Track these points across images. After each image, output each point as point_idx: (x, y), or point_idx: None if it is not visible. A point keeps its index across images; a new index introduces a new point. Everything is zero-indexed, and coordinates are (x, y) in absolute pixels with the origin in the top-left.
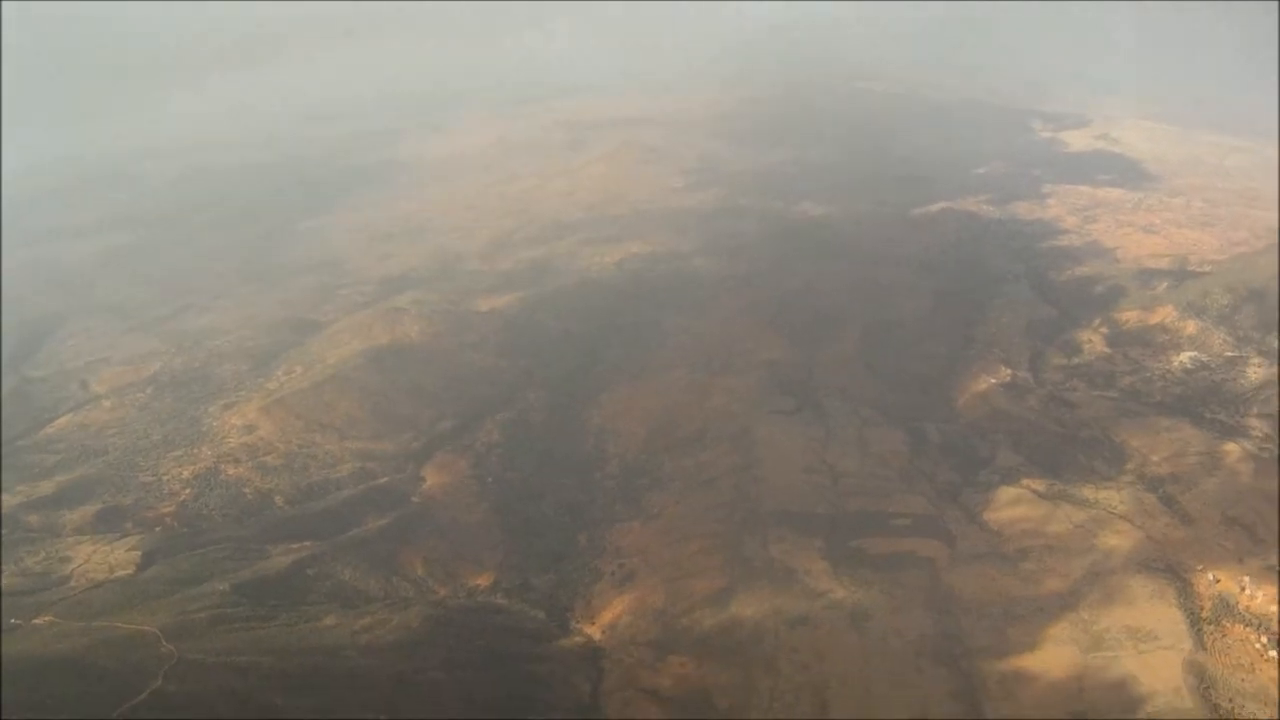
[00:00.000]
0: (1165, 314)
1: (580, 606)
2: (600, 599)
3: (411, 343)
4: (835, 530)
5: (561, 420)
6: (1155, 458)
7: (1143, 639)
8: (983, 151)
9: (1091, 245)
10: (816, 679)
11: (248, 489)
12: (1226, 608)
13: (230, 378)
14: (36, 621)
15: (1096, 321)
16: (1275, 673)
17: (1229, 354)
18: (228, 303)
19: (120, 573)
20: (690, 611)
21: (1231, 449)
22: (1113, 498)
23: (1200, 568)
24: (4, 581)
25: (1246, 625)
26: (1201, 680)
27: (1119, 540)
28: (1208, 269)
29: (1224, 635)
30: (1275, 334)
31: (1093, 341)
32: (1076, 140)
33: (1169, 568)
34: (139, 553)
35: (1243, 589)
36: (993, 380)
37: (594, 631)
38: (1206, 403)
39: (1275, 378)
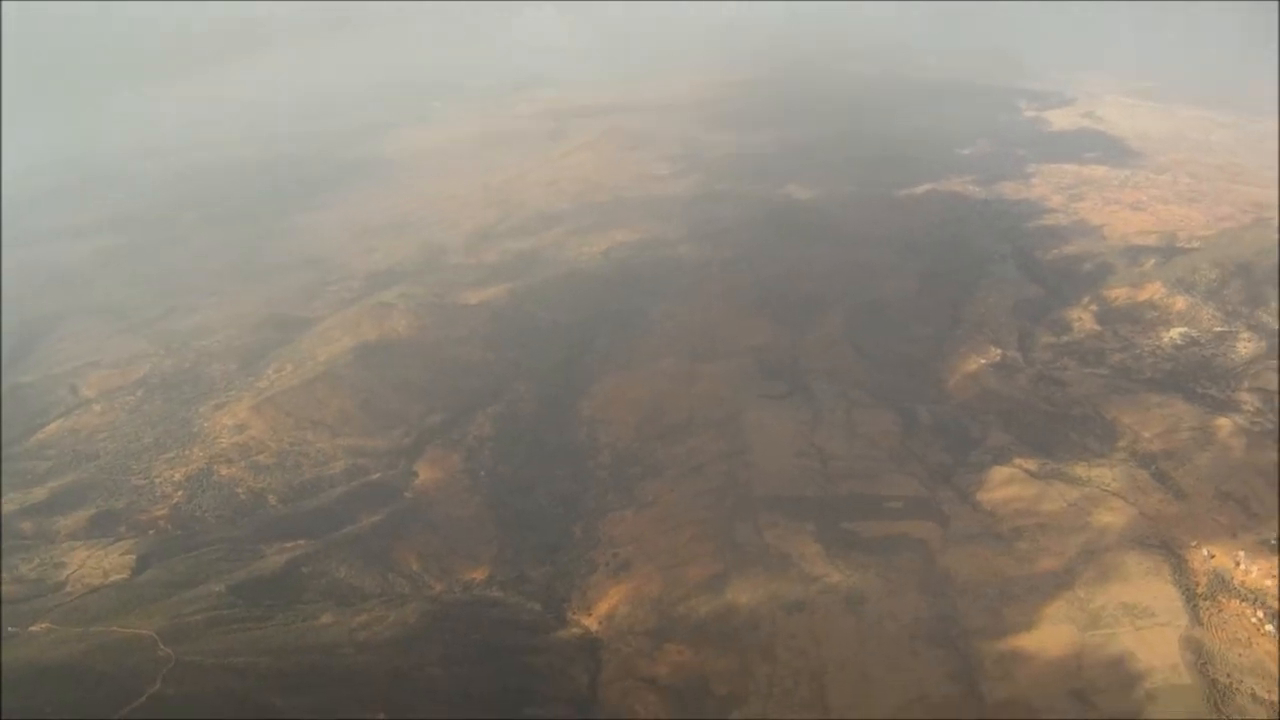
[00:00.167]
0: (1154, 290)
1: (576, 598)
2: (596, 589)
3: (400, 338)
4: (827, 514)
5: (552, 411)
6: (1147, 434)
7: (1139, 616)
8: (967, 132)
9: (1078, 223)
10: (813, 663)
11: (240, 489)
12: (1222, 583)
13: (220, 378)
14: (33, 629)
15: (1085, 299)
16: (1272, 646)
17: (1218, 329)
18: (216, 302)
19: (115, 577)
20: (686, 599)
21: (1223, 424)
22: (1105, 475)
23: (1195, 543)
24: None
25: (1242, 600)
26: (1199, 656)
27: (1113, 517)
28: (1195, 245)
29: (1220, 610)
30: (1264, 308)
31: (1082, 319)
32: (1060, 119)
33: (1163, 544)
34: (134, 556)
35: (1238, 564)
36: (982, 360)
37: (591, 622)
38: (1197, 378)
39: (1265, 351)
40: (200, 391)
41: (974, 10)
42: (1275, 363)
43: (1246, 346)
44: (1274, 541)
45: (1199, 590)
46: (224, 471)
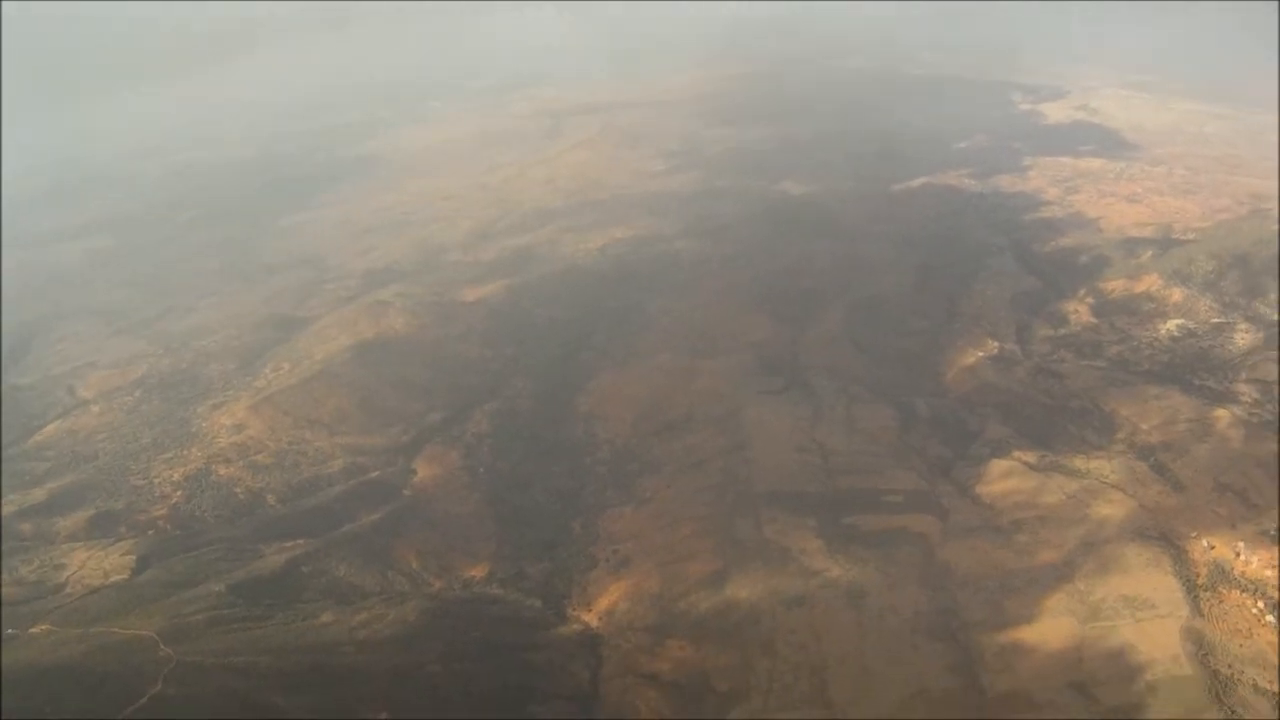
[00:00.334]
0: (1151, 282)
1: (576, 594)
2: (596, 586)
3: (398, 336)
4: (828, 509)
5: (550, 408)
6: (1145, 426)
7: (1140, 607)
8: (963, 126)
9: (1074, 216)
10: (814, 658)
11: (239, 489)
12: (1222, 574)
13: (218, 377)
14: (34, 630)
15: (1082, 292)
16: (1273, 637)
17: (1215, 320)
18: (213, 302)
19: (115, 578)
20: (686, 595)
21: (1221, 415)
22: (1104, 467)
23: (1194, 534)
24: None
25: (1243, 591)
26: (1200, 647)
27: (1112, 509)
28: (1192, 236)
29: (1220, 601)
30: (1261, 299)
31: (1079, 312)
32: (1056, 112)
33: (1163, 535)
34: (133, 557)
35: (1237, 554)
36: (980, 353)
37: (591, 618)
38: (1195, 370)
39: (1263, 342)
40: (198, 391)
41: (973, 10)
42: (1274, 353)
43: (1244, 338)
44: (1274, 532)
45: (1199, 581)
46: (222, 471)
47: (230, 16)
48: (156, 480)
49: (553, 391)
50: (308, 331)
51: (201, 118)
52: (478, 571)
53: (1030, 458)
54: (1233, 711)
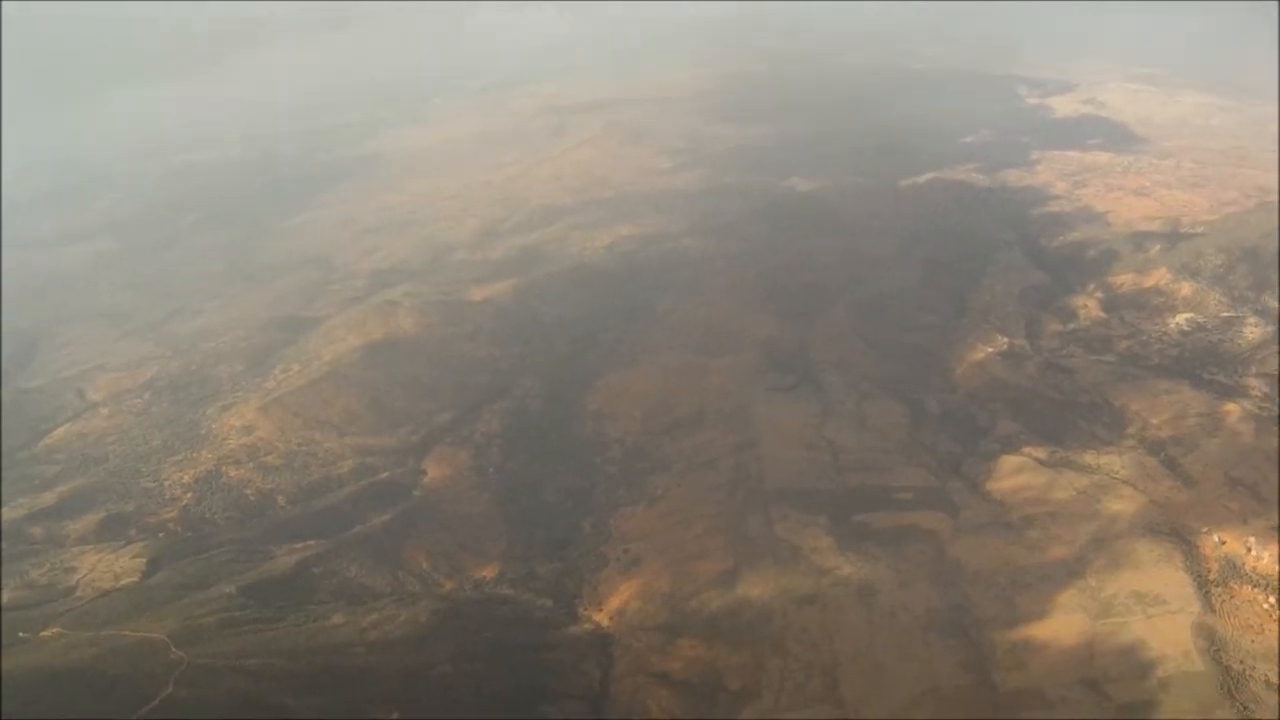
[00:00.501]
0: (1159, 276)
1: (587, 593)
2: (607, 585)
3: (406, 336)
4: (838, 506)
5: (559, 407)
6: (1155, 421)
7: (1151, 603)
8: (969, 120)
9: (1083, 210)
10: (826, 656)
11: (249, 490)
12: (1233, 569)
13: (227, 379)
14: (45, 634)
15: (1091, 286)
16: None
17: (1225, 314)
18: (219, 304)
19: (126, 580)
20: (697, 594)
21: (1232, 409)
22: (1114, 462)
23: (1205, 530)
24: (10, 595)
25: (1254, 586)
26: (1211, 643)
27: (1123, 505)
28: (1200, 230)
29: (1232, 597)
30: (1270, 293)
31: (1088, 306)
32: (1063, 105)
33: (1174, 531)
34: (144, 559)
35: (1249, 550)
36: (989, 349)
37: (602, 618)
38: (1204, 364)
39: (1273, 336)
40: (207, 393)
41: (976, 10)
42: None
43: (1253, 331)
44: None
45: (1210, 577)
46: (232, 473)
47: (230, 16)
48: (167, 482)
49: (561, 390)
50: (316, 332)
51: (201, 118)
52: (488, 572)
53: (1041, 453)
54: (1245, 707)
